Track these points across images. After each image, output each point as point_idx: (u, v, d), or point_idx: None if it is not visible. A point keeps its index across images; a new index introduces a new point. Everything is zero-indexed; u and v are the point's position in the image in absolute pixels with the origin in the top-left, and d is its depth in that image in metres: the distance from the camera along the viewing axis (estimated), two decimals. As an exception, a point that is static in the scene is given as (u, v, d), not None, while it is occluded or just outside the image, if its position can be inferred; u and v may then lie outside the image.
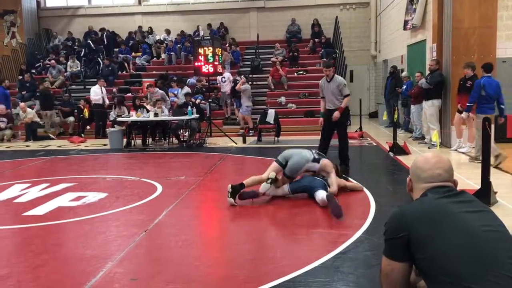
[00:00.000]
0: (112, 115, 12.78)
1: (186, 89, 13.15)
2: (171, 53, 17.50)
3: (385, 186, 6.43)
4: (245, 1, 19.22)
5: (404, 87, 11.84)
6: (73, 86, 16.57)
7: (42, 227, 4.63)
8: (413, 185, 2.01)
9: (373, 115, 17.24)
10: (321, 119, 7.48)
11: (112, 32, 18.94)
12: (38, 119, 13.23)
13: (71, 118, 13.84)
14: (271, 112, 11.53)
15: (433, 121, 9.29)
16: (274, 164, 5.49)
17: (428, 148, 9.41)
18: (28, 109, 13.08)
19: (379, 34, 17.44)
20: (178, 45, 17.71)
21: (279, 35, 18.53)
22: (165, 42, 18.29)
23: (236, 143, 10.82)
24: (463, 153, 8.51)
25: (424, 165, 1.95)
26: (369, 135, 11.92)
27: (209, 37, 12.69)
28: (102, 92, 13.39)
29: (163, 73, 16.03)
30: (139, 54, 18.15)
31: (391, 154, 8.62)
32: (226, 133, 11.52)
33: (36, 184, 6.68)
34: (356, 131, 11.97)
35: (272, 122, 11.38)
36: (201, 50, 11.91)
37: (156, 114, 10.68)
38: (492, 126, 7.82)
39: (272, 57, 16.95)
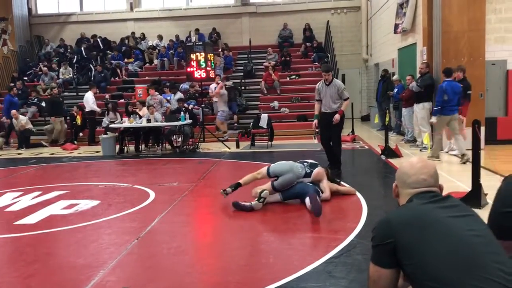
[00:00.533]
0: (105, 121, 12.74)
1: (179, 95, 13.16)
2: (164, 59, 17.51)
3: (377, 189, 6.46)
4: (237, 6, 19.32)
5: (396, 90, 11.91)
6: (66, 93, 16.51)
7: (34, 236, 4.61)
8: (399, 191, 2.03)
9: (365, 118, 17.35)
10: (315, 121, 7.54)
11: (104, 39, 18.94)
12: (31, 126, 13.16)
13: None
14: (264, 117, 11.56)
15: (424, 124, 9.35)
16: (265, 174, 5.51)
17: (420, 150, 9.48)
18: (21, 116, 13.01)
19: (370, 37, 17.55)
20: (171, 51, 17.71)
21: (271, 40, 18.62)
22: (158, 48, 18.29)
23: (229, 148, 10.84)
24: (454, 155, 8.58)
25: (409, 170, 1.98)
26: (361, 138, 11.98)
27: (201, 43, 12.72)
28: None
29: (155, 79, 16.02)
30: (132, 60, 18.13)
31: (383, 157, 8.66)
32: (219, 138, 11.52)
33: (28, 192, 6.65)
34: (349, 134, 12.01)
35: (265, 126, 11.41)
36: (193, 56, 11.97)
37: (149, 120, 10.67)
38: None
39: (264, 62, 17.03)
